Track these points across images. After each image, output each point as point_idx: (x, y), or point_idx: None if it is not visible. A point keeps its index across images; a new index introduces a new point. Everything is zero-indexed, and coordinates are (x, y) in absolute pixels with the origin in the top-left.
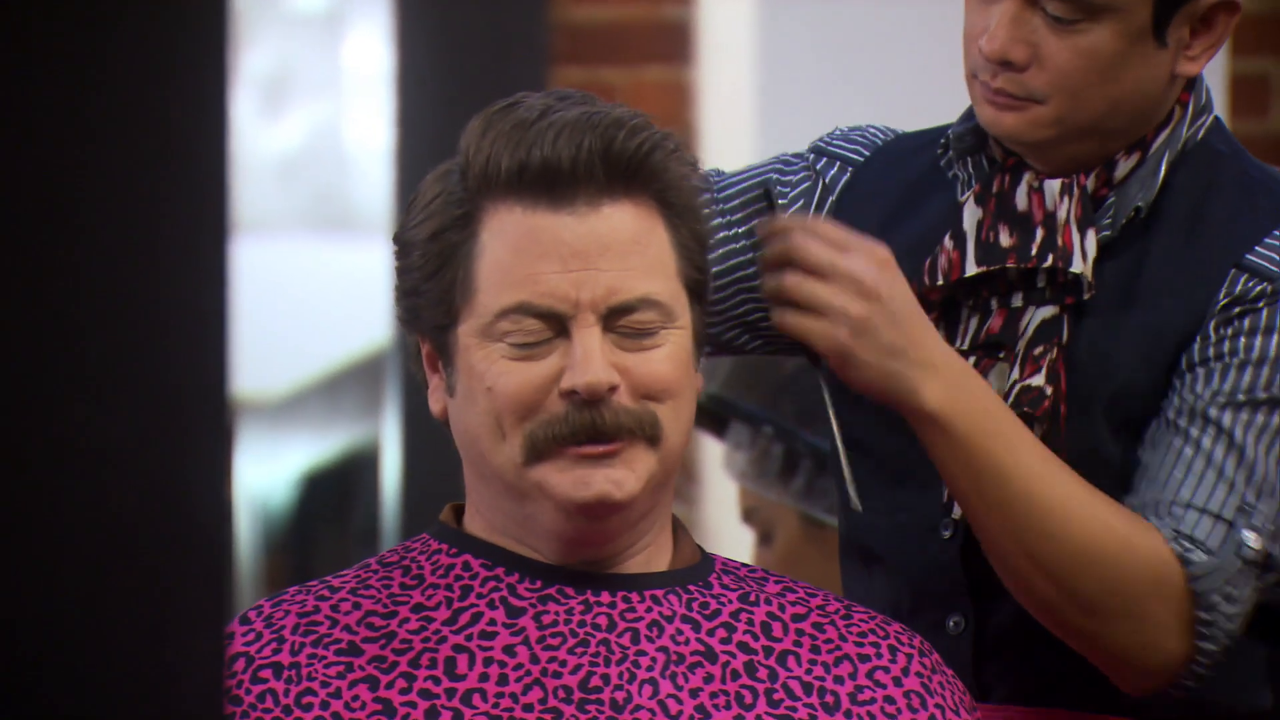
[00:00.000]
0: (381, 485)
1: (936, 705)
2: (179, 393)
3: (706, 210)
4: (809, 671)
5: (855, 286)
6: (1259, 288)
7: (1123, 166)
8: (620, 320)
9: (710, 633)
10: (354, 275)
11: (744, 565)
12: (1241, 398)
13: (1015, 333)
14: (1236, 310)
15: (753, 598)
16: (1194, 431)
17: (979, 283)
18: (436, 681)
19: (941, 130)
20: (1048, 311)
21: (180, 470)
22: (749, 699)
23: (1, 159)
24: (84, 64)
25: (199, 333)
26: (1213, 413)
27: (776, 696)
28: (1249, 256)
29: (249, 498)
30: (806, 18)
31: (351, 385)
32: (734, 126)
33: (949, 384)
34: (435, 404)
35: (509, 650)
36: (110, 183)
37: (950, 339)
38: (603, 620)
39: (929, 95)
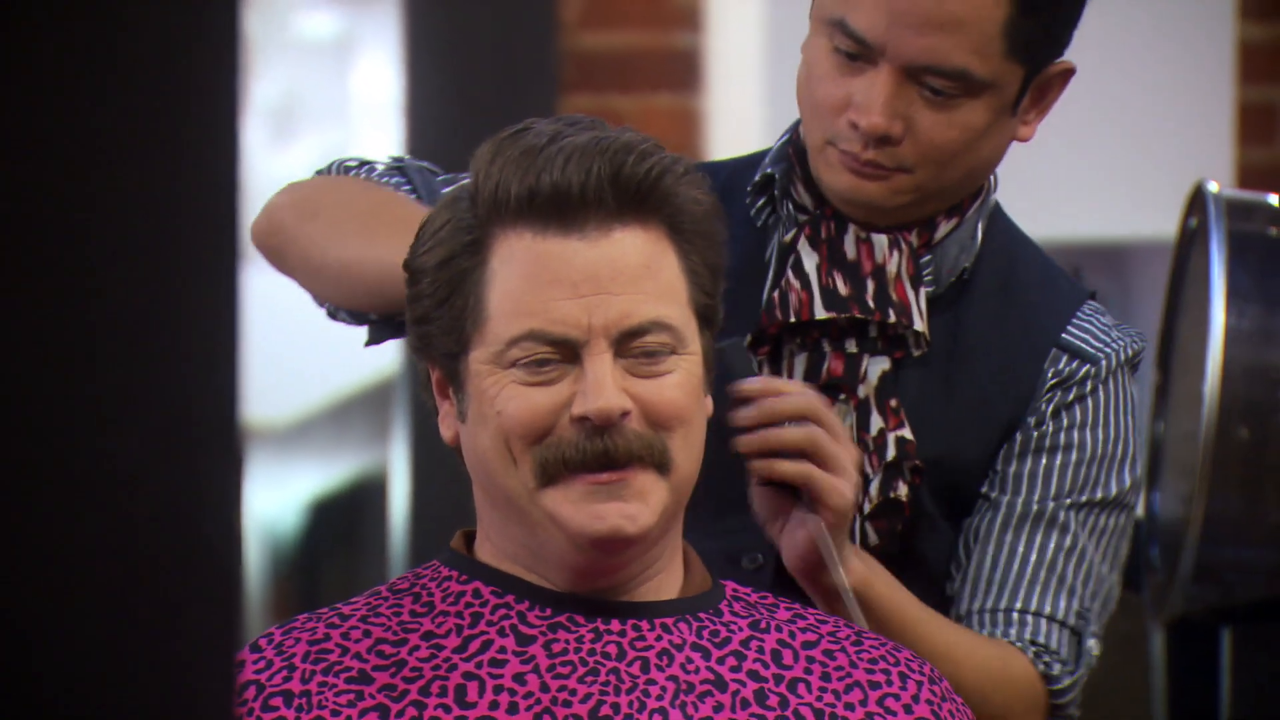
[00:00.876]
0: (390, 512)
1: None
2: (190, 418)
3: (718, 236)
4: (819, 699)
5: (855, 480)
6: (1084, 369)
7: (943, 228)
8: (632, 345)
9: (720, 661)
10: None
11: (755, 592)
12: (1084, 498)
13: (856, 377)
14: (1071, 396)
15: (763, 625)
16: (1038, 536)
17: (810, 324)
18: (447, 710)
19: (739, 165)
20: (885, 363)
21: (191, 496)
22: None
23: (11, 183)
24: (96, 90)
25: (210, 359)
26: (1060, 516)
27: None
28: (1066, 336)
29: (257, 524)
30: None
31: (360, 412)
32: (743, 153)
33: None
34: (446, 430)
35: (519, 678)
36: (121, 208)
37: (775, 373)
38: (613, 649)
39: None
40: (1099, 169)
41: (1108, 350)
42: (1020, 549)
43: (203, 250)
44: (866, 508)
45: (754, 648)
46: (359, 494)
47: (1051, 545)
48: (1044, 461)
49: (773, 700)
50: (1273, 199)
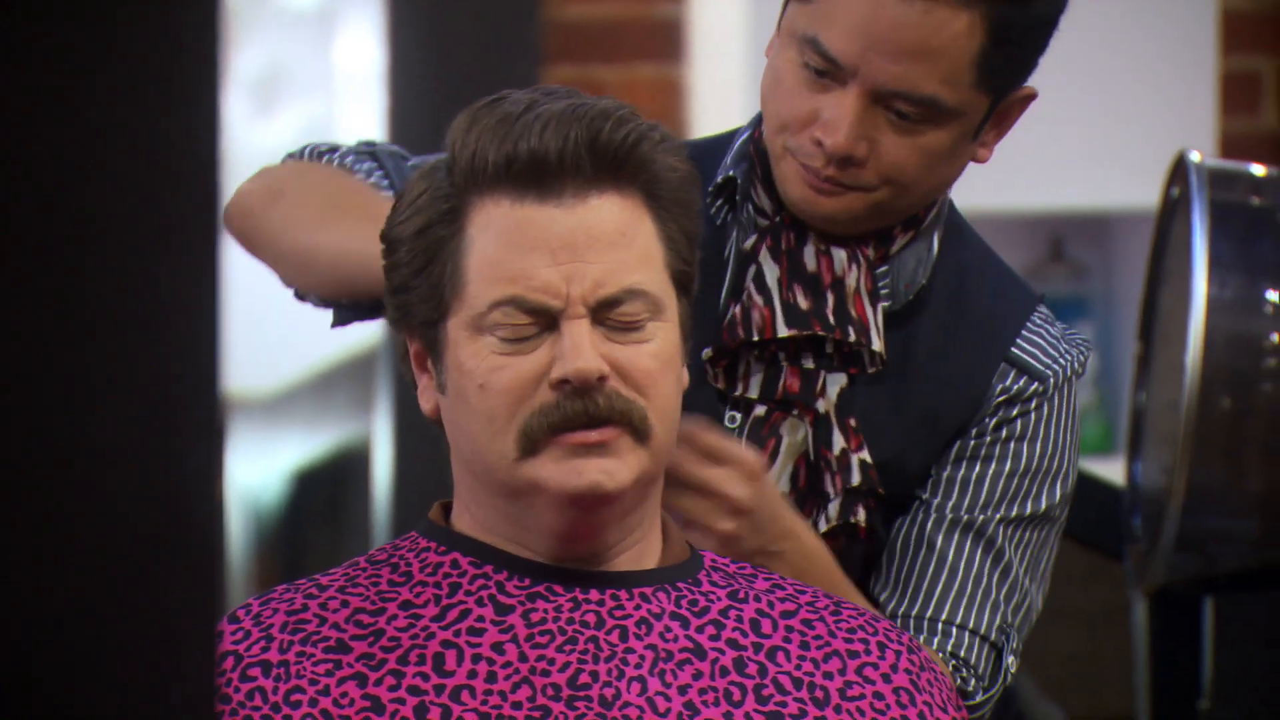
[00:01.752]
0: (373, 483)
1: (925, 702)
2: (171, 392)
3: (695, 204)
4: (798, 667)
5: (725, 505)
6: (1032, 387)
7: (899, 241)
8: (609, 313)
9: (699, 629)
10: None
11: (734, 563)
12: (1014, 512)
13: (813, 393)
14: (1015, 412)
15: (742, 594)
16: (966, 546)
17: (770, 340)
18: (425, 678)
19: (702, 147)
20: (842, 379)
21: (172, 469)
22: (737, 695)
23: None
24: (75, 63)
25: (190, 332)
26: (989, 529)
27: (765, 692)
28: (1015, 350)
29: (240, 495)
30: None
31: (343, 383)
32: (726, 124)
33: (797, 569)
34: (426, 403)
35: (497, 647)
36: (100, 182)
37: (730, 385)
38: (591, 618)
39: None
40: (1082, 139)
41: (1055, 367)
42: (949, 558)
43: (182, 224)
44: (824, 526)
45: (733, 616)
46: (342, 465)
47: (978, 558)
48: (978, 469)
49: (751, 668)
50: (1255, 168)
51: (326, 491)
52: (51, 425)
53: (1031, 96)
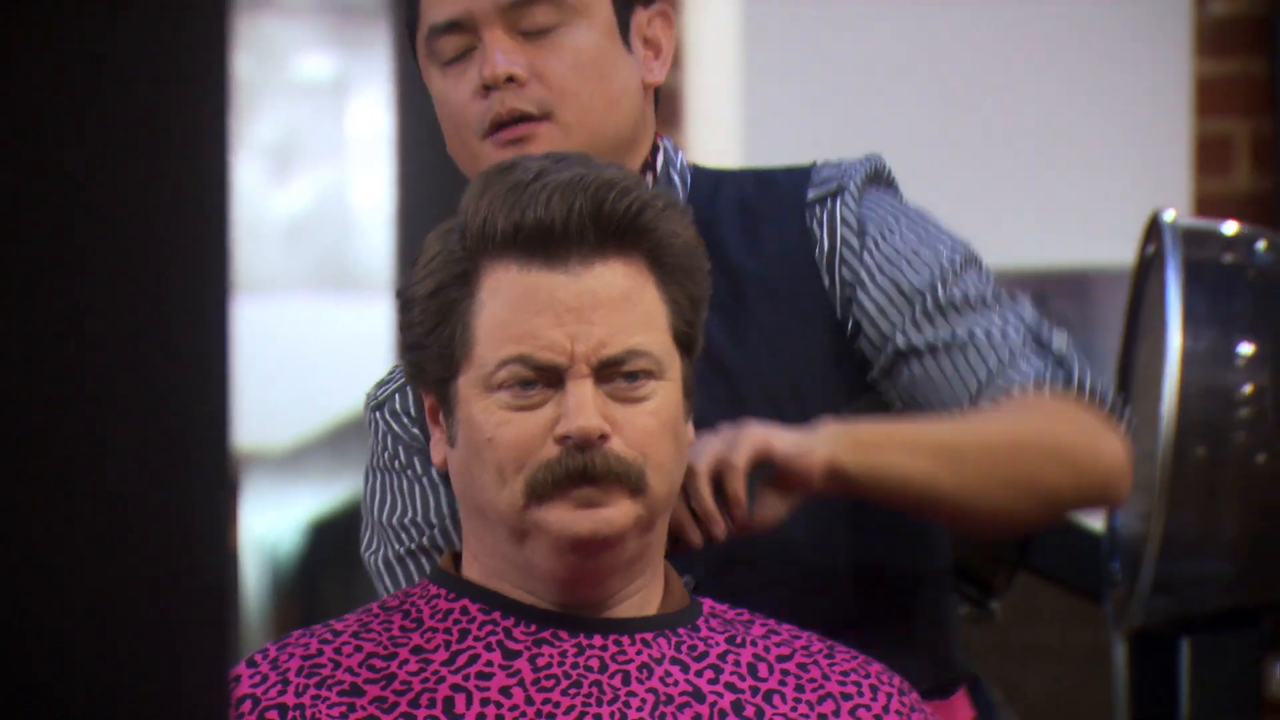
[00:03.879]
0: None
1: None
2: (184, 446)
3: (699, 268)
4: (794, 709)
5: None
6: (834, 187)
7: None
8: (612, 373)
9: (698, 674)
10: (357, 332)
11: (731, 609)
12: (957, 292)
13: None
14: (851, 233)
15: (739, 639)
16: (971, 348)
17: None
18: None
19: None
20: None
21: (186, 520)
22: None
23: (9, 210)
24: (93, 125)
25: (203, 388)
26: (970, 318)
27: None
28: (809, 194)
29: (258, 545)
30: (791, 96)
31: (355, 437)
32: (721, 132)
33: (835, 449)
34: (436, 455)
35: (505, 691)
36: (116, 239)
37: None
38: (595, 662)
39: (909, 148)
40: (1063, 200)
41: (846, 172)
42: (968, 361)
43: (195, 285)
44: None
45: (730, 661)
46: (355, 516)
47: (994, 326)
48: (880, 279)
49: (749, 711)
50: (1226, 227)
51: (340, 541)
52: (71, 481)
53: (667, 13)
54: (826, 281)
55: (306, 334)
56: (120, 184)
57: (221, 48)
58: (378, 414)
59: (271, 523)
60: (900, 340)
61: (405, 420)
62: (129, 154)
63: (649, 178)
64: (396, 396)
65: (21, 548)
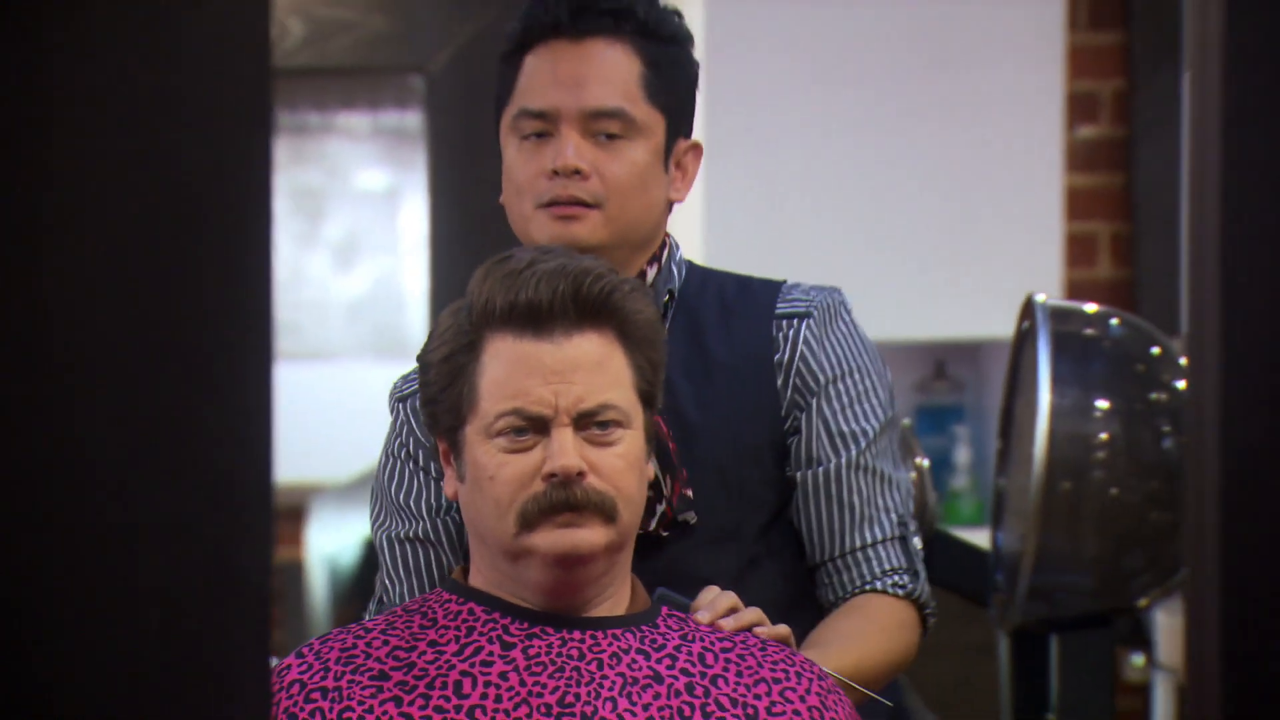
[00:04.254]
0: None
1: (831, 717)
2: (233, 482)
3: (658, 338)
4: (735, 690)
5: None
6: (804, 317)
7: (650, 274)
8: (588, 422)
9: (658, 661)
10: None
11: (684, 614)
12: (868, 425)
13: None
14: (803, 336)
15: (690, 636)
16: (856, 481)
17: None
18: (447, 699)
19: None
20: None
21: (232, 543)
22: (688, 711)
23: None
24: (151, 209)
25: (249, 432)
26: (864, 460)
27: (709, 709)
28: (779, 309)
29: (322, 559)
30: (744, 199)
31: None
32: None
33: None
34: (449, 489)
35: (503, 676)
36: (172, 316)
37: None
38: (575, 652)
39: (843, 244)
40: (960, 285)
41: (814, 302)
42: (845, 497)
43: (243, 353)
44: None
45: (684, 652)
46: None
47: (864, 485)
48: (821, 409)
49: (699, 690)
50: (1088, 306)
51: None
52: (142, 511)
53: (699, 147)
54: (780, 382)
55: (364, 391)
56: (184, 270)
57: (266, 142)
58: (401, 405)
59: (334, 541)
60: (813, 469)
61: (421, 420)
62: (192, 244)
63: (655, 267)
64: (416, 396)
65: (94, 566)
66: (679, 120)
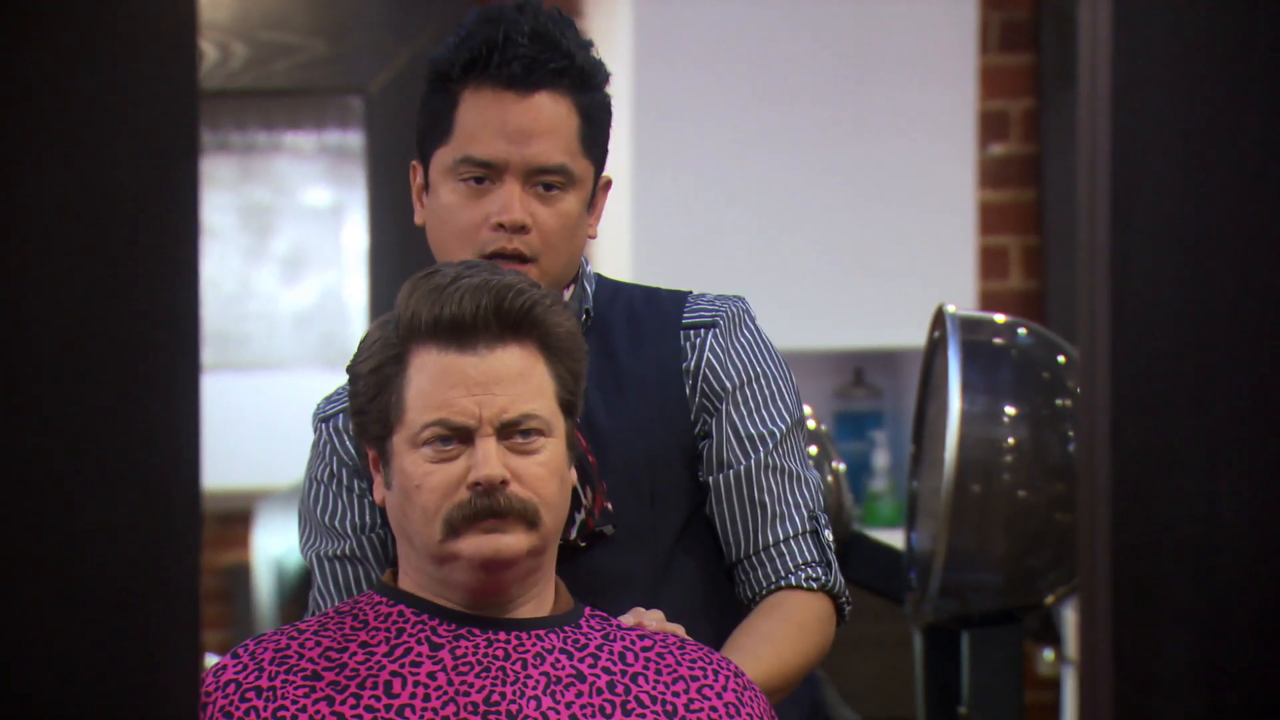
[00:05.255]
0: None
1: (748, 713)
2: (163, 487)
3: (578, 350)
4: (654, 687)
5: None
6: (710, 329)
7: (566, 295)
8: (511, 431)
9: (580, 660)
10: None
11: (606, 615)
12: (777, 428)
13: None
14: (710, 344)
15: (612, 636)
16: (766, 481)
17: None
18: (378, 699)
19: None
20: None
21: (162, 546)
22: (609, 709)
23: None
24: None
25: (178, 439)
26: (773, 460)
27: (629, 706)
28: (685, 319)
29: (269, 562)
30: (671, 213)
31: None
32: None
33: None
34: (377, 495)
35: (431, 675)
36: (111, 325)
37: None
38: (500, 652)
39: (769, 258)
40: (877, 296)
41: (719, 311)
42: (757, 496)
43: (170, 363)
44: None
45: (605, 651)
46: None
47: (775, 484)
48: (729, 414)
49: (619, 689)
50: (997, 317)
51: None
52: (74, 518)
53: (610, 183)
54: (688, 389)
55: (311, 399)
56: (112, 290)
57: (193, 162)
58: (324, 426)
59: (281, 544)
60: (724, 472)
61: (345, 438)
62: (119, 250)
63: (572, 287)
64: (341, 415)
65: (30, 569)
66: (603, 166)
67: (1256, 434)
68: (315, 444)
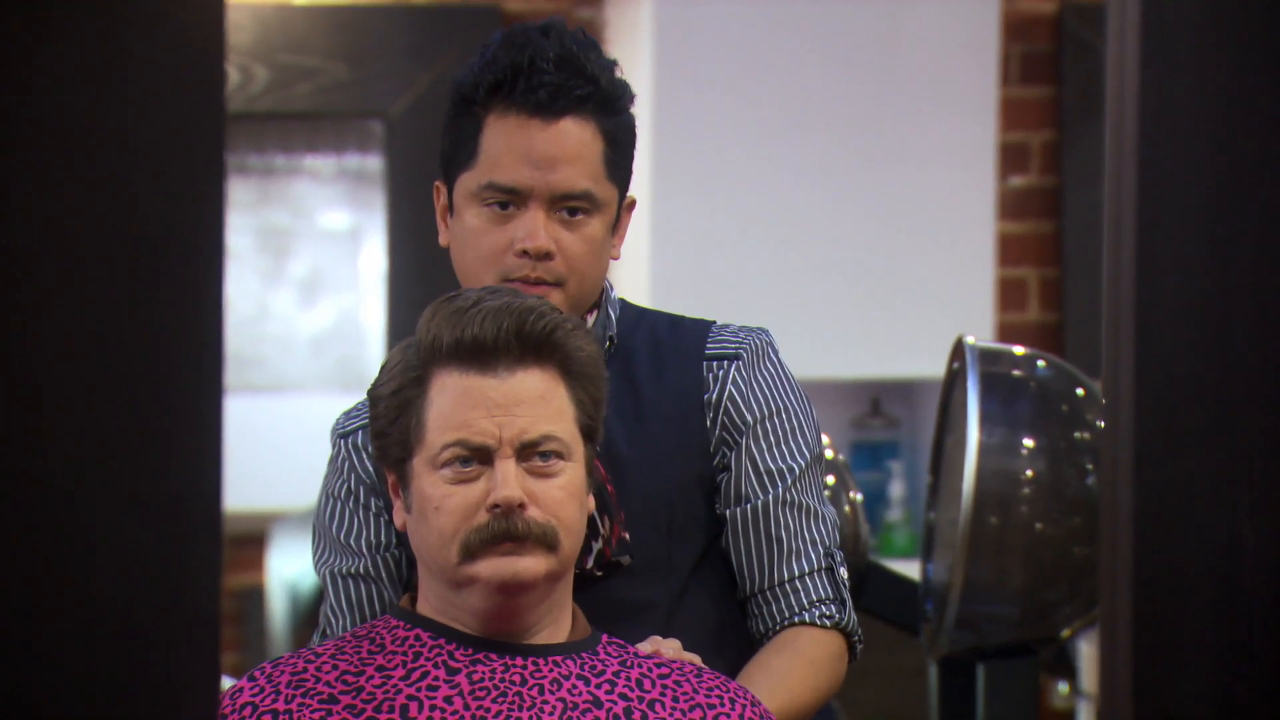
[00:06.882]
0: None
1: None
2: (184, 510)
3: (599, 375)
4: (671, 714)
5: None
6: (733, 363)
7: (590, 320)
8: (530, 453)
9: (598, 686)
10: None
11: (623, 642)
12: (796, 464)
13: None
14: (732, 378)
15: (629, 663)
16: (783, 517)
17: None
18: None
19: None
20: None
21: (182, 568)
22: None
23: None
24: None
25: (200, 461)
26: (790, 496)
27: None
28: (708, 350)
29: (283, 584)
30: (690, 240)
31: None
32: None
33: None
34: (397, 520)
35: (448, 699)
36: (135, 347)
37: None
38: (517, 677)
39: (793, 290)
40: (896, 327)
41: (743, 343)
42: (773, 532)
43: (194, 388)
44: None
45: (623, 678)
46: None
47: (791, 520)
48: (744, 453)
49: (636, 715)
50: (1016, 349)
51: None
52: (98, 537)
53: (634, 203)
54: (708, 420)
55: (326, 422)
56: (138, 314)
57: (219, 185)
58: (343, 442)
59: (295, 567)
60: (741, 506)
61: (364, 455)
62: (144, 272)
63: (596, 313)
64: (360, 432)
65: (57, 588)
66: (627, 188)
67: (1278, 468)
68: (333, 459)
